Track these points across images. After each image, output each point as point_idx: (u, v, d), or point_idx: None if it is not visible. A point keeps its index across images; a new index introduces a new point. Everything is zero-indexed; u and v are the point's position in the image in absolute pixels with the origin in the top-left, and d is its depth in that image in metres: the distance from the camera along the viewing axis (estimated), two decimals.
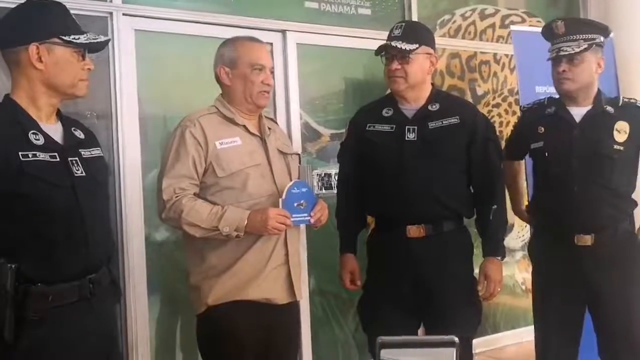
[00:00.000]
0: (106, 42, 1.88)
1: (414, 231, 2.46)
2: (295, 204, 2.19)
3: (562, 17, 2.68)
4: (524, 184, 2.91)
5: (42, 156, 1.71)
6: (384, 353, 0.77)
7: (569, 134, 2.51)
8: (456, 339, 0.77)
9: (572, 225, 2.47)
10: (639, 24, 4.25)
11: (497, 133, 2.99)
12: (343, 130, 2.99)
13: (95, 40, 1.82)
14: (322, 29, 3.62)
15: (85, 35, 1.80)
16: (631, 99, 2.62)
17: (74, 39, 1.77)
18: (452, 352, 0.77)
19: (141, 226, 3.02)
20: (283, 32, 3.48)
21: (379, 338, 0.77)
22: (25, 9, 1.81)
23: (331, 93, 3.78)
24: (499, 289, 2.53)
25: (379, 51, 2.52)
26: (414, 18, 3.92)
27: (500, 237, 2.60)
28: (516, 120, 2.86)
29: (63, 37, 1.76)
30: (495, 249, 2.55)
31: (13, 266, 1.64)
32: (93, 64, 1.86)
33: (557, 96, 2.64)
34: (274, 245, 2.24)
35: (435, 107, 2.50)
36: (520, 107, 2.89)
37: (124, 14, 3.00)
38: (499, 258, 2.55)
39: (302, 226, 2.38)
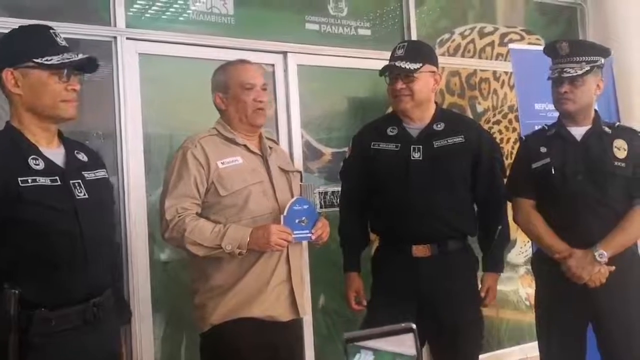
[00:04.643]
0: (86, 60, 1.80)
1: (420, 251, 2.47)
2: (297, 221, 2.21)
3: (566, 39, 2.72)
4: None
5: (43, 180, 1.70)
6: (350, 348, 0.81)
7: (572, 151, 2.54)
8: (413, 325, 0.82)
9: (575, 241, 2.46)
10: (637, 41, 4.29)
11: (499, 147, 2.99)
12: (344, 149, 3.02)
13: (69, 60, 1.75)
14: (323, 50, 3.66)
15: (60, 55, 1.75)
16: (626, 126, 2.68)
17: (47, 60, 1.73)
18: (411, 337, 0.82)
19: (146, 245, 3.04)
20: (284, 53, 3.52)
21: (344, 334, 0.81)
22: (8, 35, 1.81)
23: (332, 112, 3.81)
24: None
25: (383, 71, 2.55)
26: (413, 37, 3.96)
27: (503, 253, 2.69)
28: (517, 150, 2.83)
29: (35, 60, 1.73)
30: (499, 265, 2.65)
31: (16, 292, 1.64)
32: (79, 84, 1.81)
33: (555, 116, 2.68)
34: (276, 262, 2.26)
35: (440, 127, 2.52)
36: (521, 138, 2.89)
37: (127, 38, 3.05)
38: (500, 273, 2.66)
39: (304, 243, 2.40)
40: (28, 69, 1.74)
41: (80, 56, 1.79)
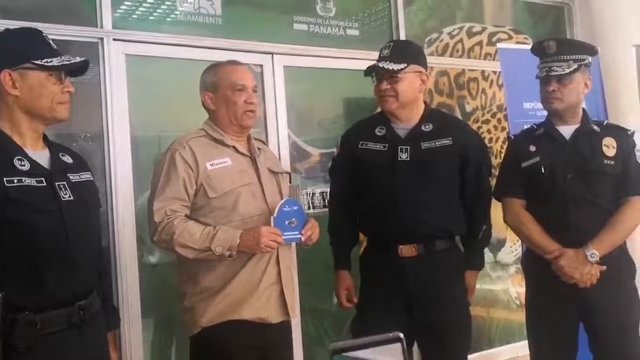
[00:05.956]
0: (83, 63, 1.85)
1: (407, 250, 2.47)
2: (287, 222, 2.21)
3: (553, 37, 2.73)
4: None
5: (28, 181, 1.70)
6: (337, 358, 0.81)
7: (561, 150, 2.54)
8: (401, 335, 0.82)
9: (565, 241, 2.47)
10: (623, 40, 4.32)
11: (488, 150, 3.00)
12: (332, 150, 3.01)
13: (68, 62, 1.79)
14: (308, 51, 3.65)
15: (58, 58, 1.78)
16: (615, 124, 2.69)
17: (47, 62, 1.76)
18: (398, 347, 0.83)
19: (134, 248, 3.02)
20: (271, 54, 3.51)
21: (331, 345, 0.80)
22: (1, 37, 1.82)
23: (320, 113, 3.82)
24: None
25: (368, 72, 2.54)
26: (402, 37, 3.96)
27: (483, 252, 2.73)
28: (506, 149, 2.83)
29: (35, 62, 1.75)
30: (480, 263, 2.71)
31: (0, 295, 1.62)
32: (73, 86, 1.84)
33: (544, 115, 2.68)
34: (266, 264, 2.25)
35: (428, 128, 2.51)
36: (509, 137, 2.89)
37: (114, 39, 3.04)
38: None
39: (294, 245, 2.40)
40: (27, 71, 1.75)
41: (78, 59, 1.82)
